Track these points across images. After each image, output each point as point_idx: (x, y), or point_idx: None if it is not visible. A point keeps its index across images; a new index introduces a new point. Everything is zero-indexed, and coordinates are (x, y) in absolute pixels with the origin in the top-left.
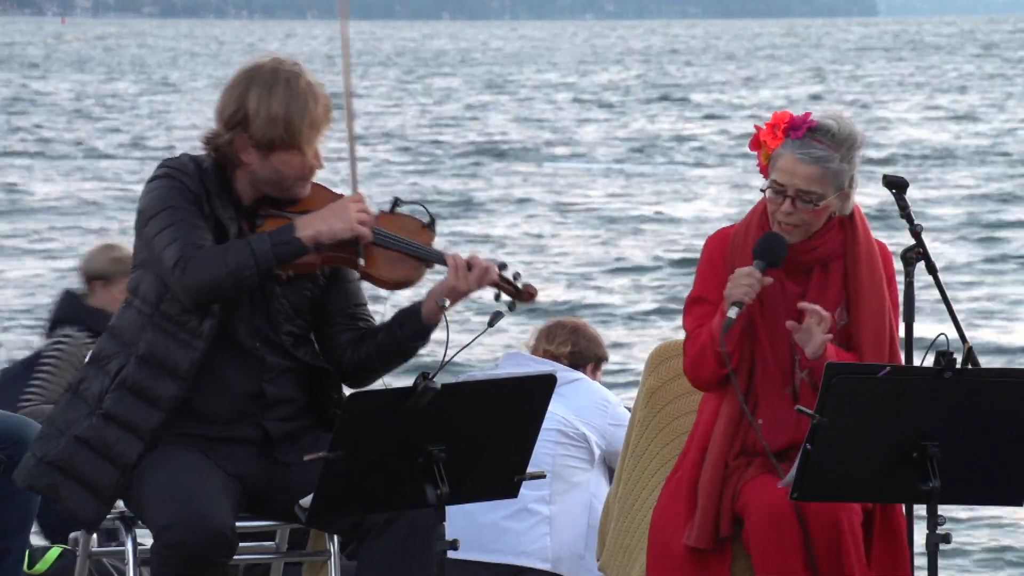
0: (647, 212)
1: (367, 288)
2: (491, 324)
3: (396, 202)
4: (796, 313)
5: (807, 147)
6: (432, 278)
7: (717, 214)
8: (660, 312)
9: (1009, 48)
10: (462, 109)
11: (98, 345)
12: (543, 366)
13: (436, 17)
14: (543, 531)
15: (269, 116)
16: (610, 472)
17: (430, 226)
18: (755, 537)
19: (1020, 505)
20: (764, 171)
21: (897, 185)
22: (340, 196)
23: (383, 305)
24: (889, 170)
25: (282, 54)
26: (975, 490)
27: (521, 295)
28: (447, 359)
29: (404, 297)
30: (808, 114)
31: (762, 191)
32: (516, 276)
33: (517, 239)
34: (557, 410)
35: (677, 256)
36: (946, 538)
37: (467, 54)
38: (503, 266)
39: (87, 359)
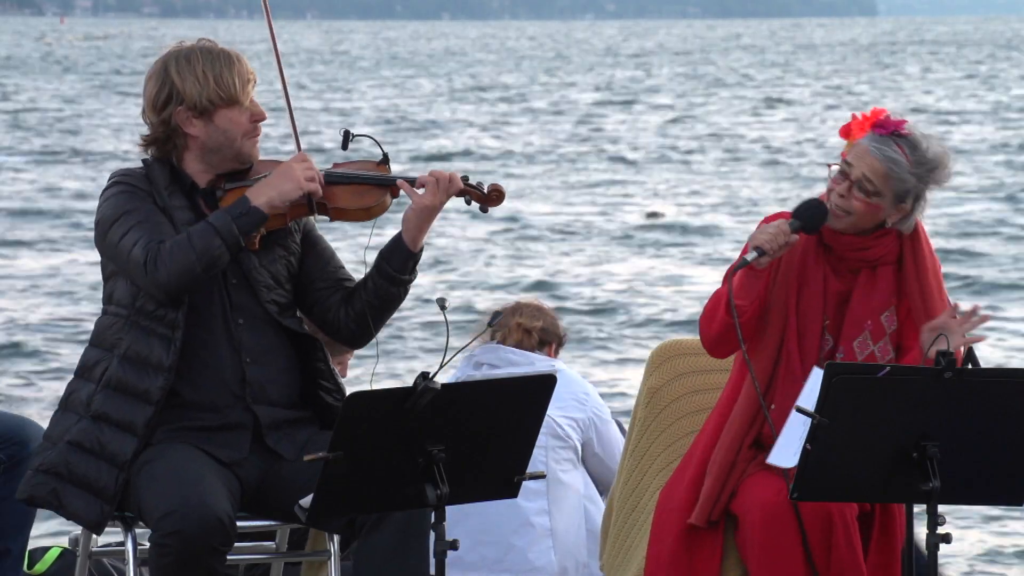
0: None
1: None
2: (491, 324)
3: (347, 135)
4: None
5: (884, 143)
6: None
7: None
8: None
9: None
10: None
11: (81, 359)
12: (523, 358)
13: (436, 17)
14: (547, 545)
15: (197, 79)
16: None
17: (384, 162)
18: (751, 535)
19: (1020, 505)
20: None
21: None
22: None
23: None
24: None
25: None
26: (975, 490)
27: (489, 197)
28: (447, 359)
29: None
30: (904, 121)
31: (828, 166)
32: (480, 183)
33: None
34: None
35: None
36: (946, 538)
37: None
38: (465, 177)
39: (73, 374)
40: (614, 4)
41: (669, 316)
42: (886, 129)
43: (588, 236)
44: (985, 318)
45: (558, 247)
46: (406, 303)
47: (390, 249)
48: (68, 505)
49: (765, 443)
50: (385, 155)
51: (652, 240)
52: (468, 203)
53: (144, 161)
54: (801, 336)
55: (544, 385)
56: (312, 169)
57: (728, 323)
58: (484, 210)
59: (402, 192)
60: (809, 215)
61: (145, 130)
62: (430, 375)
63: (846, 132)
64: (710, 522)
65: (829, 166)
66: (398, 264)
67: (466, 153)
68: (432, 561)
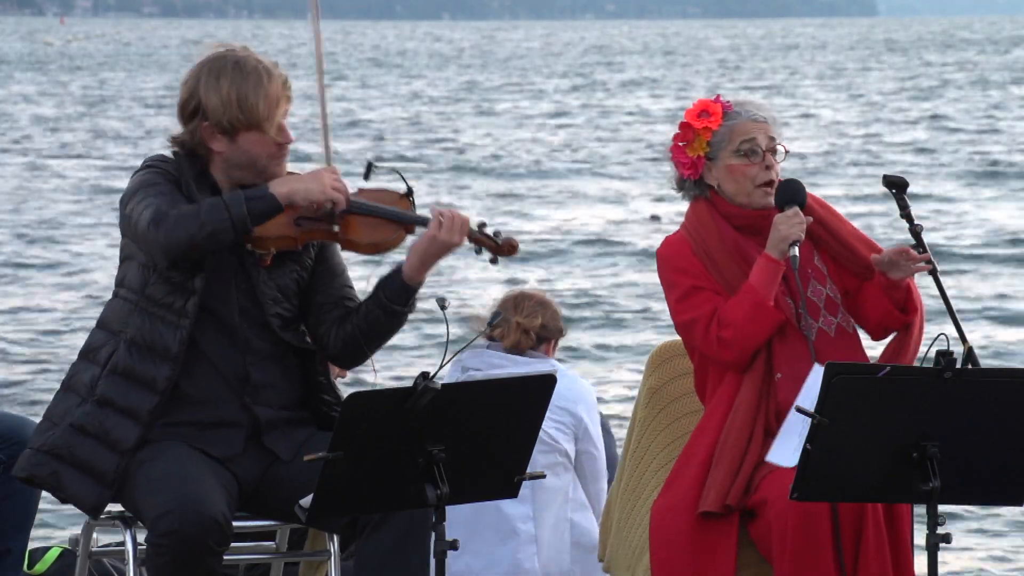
0: None
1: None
2: (490, 324)
3: (370, 166)
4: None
5: (751, 110)
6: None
7: None
8: None
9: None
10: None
11: (87, 341)
12: (517, 366)
13: (436, 17)
14: (531, 551)
15: (222, 100)
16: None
17: (407, 196)
18: (784, 530)
19: (1020, 505)
20: (697, 166)
21: (897, 185)
22: None
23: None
24: None
25: (236, 44)
26: (975, 490)
27: (502, 248)
28: (447, 359)
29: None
30: (718, 96)
31: (730, 163)
32: (496, 233)
33: None
34: None
35: None
36: (946, 538)
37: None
38: (482, 224)
39: (77, 355)
40: (614, 4)
41: None
42: (731, 105)
43: None
44: (928, 266)
45: None
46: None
47: (388, 277)
48: (67, 487)
49: (772, 429)
50: (409, 189)
51: None
52: (479, 252)
53: (175, 154)
54: (776, 304)
55: (544, 385)
56: (341, 181)
57: (780, 322)
58: (494, 261)
59: (417, 228)
60: (796, 192)
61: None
62: (430, 375)
63: (689, 136)
64: (727, 507)
65: (736, 158)
66: (392, 294)
67: None
68: (432, 562)
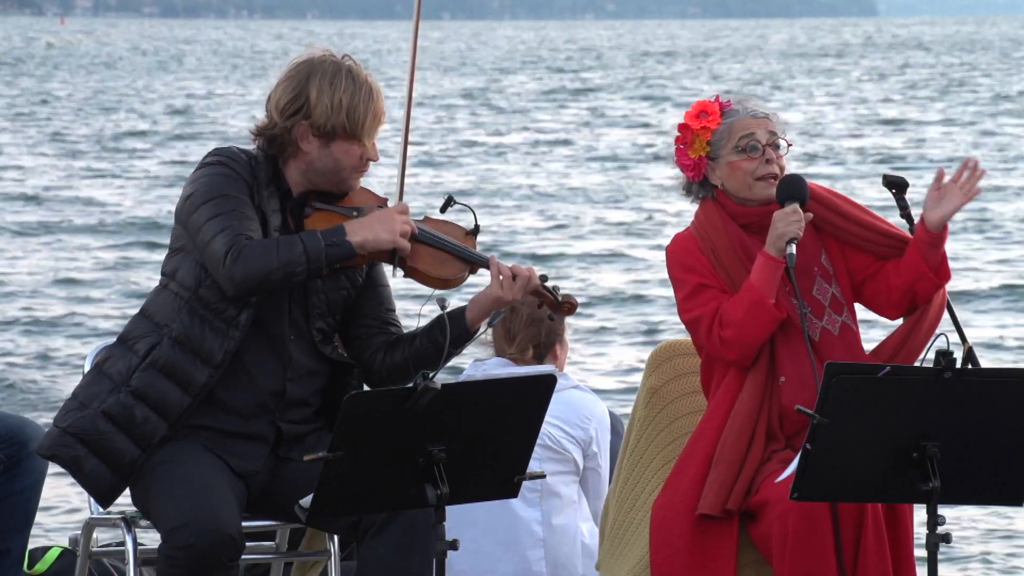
0: None
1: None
2: (491, 324)
3: (449, 200)
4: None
5: (751, 106)
6: (471, 286)
7: None
8: None
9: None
10: None
11: (127, 327)
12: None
13: (437, 17)
14: (539, 555)
15: (332, 105)
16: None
17: (473, 233)
18: (784, 530)
19: (1020, 505)
20: (699, 167)
21: (897, 185)
22: (383, 199)
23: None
24: None
25: (336, 51)
26: (975, 490)
27: (561, 307)
28: (446, 359)
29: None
30: (718, 96)
31: (735, 156)
32: (555, 288)
33: None
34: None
35: None
36: (946, 538)
37: None
38: (544, 277)
39: (116, 339)
40: (614, 4)
41: None
42: (726, 104)
43: None
44: (980, 171)
45: None
46: None
47: (453, 323)
48: (86, 473)
49: (774, 431)
50: (476, 227)
51: None
52: (540, 306)
53: (253, 154)
54: (778, 304)
55: (544, 385)
56: (409, 224)
57: (779, 320)
58: (551, 318)
59: (480, 269)
60: (797, 189)
61: (262, 117)
62: (430, 375)
63: (688, 139)
64: (726, 511)
65: (738, 153)
66: (453, 336)
67: None
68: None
